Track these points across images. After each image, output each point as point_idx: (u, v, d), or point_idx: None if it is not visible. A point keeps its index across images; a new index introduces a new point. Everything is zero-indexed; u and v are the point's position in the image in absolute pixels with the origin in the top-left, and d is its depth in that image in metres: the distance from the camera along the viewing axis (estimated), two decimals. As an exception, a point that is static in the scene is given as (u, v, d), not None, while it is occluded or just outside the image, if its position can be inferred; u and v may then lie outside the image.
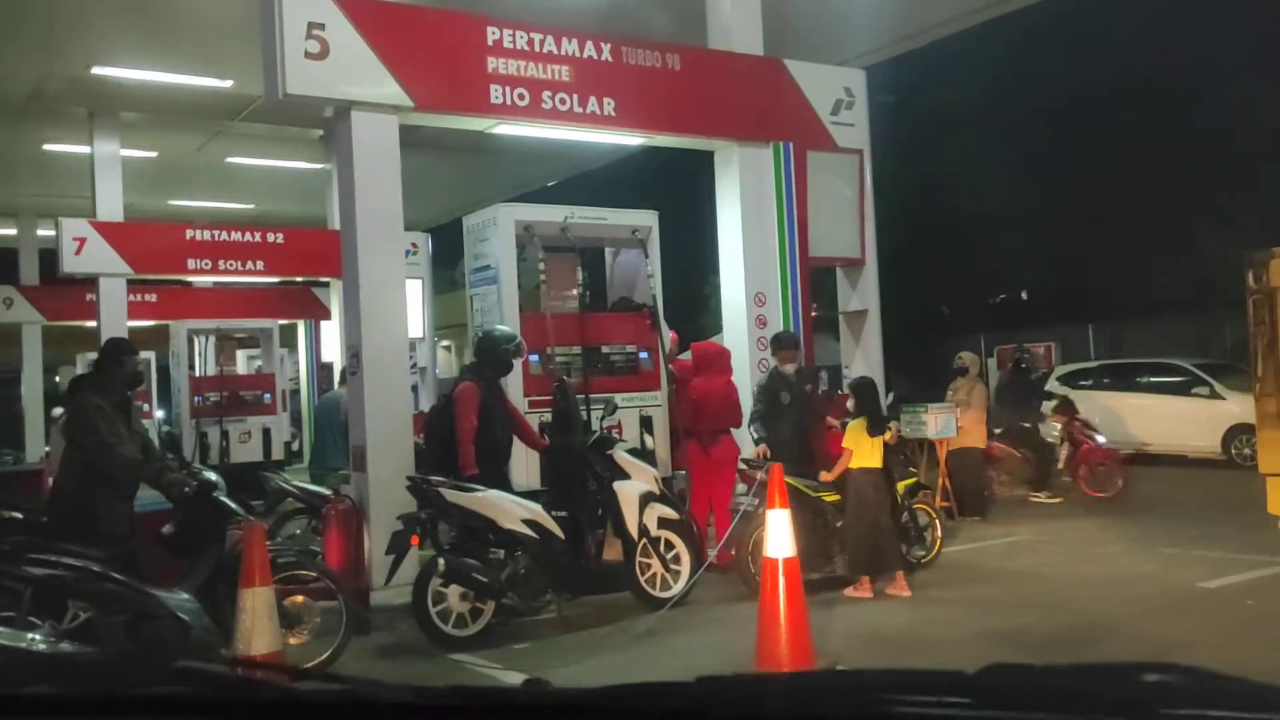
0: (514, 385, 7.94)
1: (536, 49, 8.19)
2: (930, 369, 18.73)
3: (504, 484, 6.98)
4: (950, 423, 10.03)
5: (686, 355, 8.95)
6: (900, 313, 16.33)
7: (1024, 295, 29.41)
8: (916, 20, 12.68)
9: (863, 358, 10.18)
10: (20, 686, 1.24)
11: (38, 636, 5.06)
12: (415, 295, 12.59)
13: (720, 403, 8.37)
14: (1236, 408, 14.05)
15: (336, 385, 10.95)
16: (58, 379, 21.64)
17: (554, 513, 6.71)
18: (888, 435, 7.49)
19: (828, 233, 9.69)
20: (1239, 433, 14.03)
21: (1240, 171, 20.60)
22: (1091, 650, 5.60)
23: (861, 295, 10.20)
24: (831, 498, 7.52)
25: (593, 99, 8.41)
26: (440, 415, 7.36)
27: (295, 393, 18.23)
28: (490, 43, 8.01)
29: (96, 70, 12.67)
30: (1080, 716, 0.90)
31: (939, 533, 8.16)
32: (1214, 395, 14.55)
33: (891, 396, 9.68)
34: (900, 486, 7.83)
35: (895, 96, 17.96)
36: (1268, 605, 6.57)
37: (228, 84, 13.16)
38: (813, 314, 9.87)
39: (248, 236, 15.16)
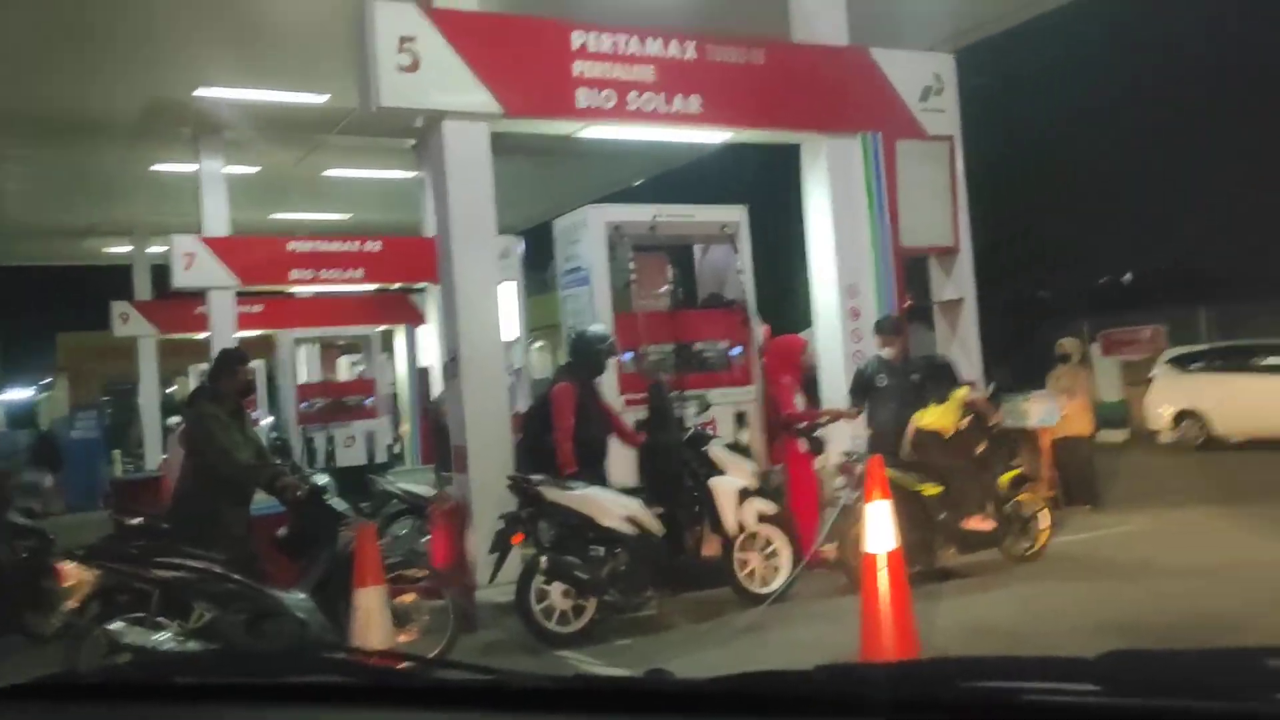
0: (608, 384, 8.02)
1: (621, 50, 8.24)
2: (1030, 357, 18.23)
3: (601, 481, 7.06)
4: (1052, 411, 9.76)
5: None
6: (997, 299, 15.94)
7: (1126, 278, 28.42)
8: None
9: (959, 347, 9.96)
10: (175, 676, 1.32)
11: (167, 635, 5.34)
12: (510, 297, 12.77)
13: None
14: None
15: None
16: (173, 390, 22.50)
17: (651, 509, 6.76)
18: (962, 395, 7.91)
19: (919, 221, 9.52)
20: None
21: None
22: (1213, 645, 5.39)
23: (956, 283, 9.99)
24: (932, 491, 7.41)
25: (678, 97, 8.42)
26: (537, 415, 7.48)
27: (395, 396, 18.64)
28: (575, 47, 8.09)
29: (200, 92, 13.18)
30: (1204, 701, 0.90)
31: (1046, 523, 7.97)
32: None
33: (993, 386, 9.45)
34: (1004, 479, 7.68)
35: (994, 78, 17.46)
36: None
37: (324, 99, 13.54)
38: (907, 304, 9.69)
39: (347, 246, 15.56)
